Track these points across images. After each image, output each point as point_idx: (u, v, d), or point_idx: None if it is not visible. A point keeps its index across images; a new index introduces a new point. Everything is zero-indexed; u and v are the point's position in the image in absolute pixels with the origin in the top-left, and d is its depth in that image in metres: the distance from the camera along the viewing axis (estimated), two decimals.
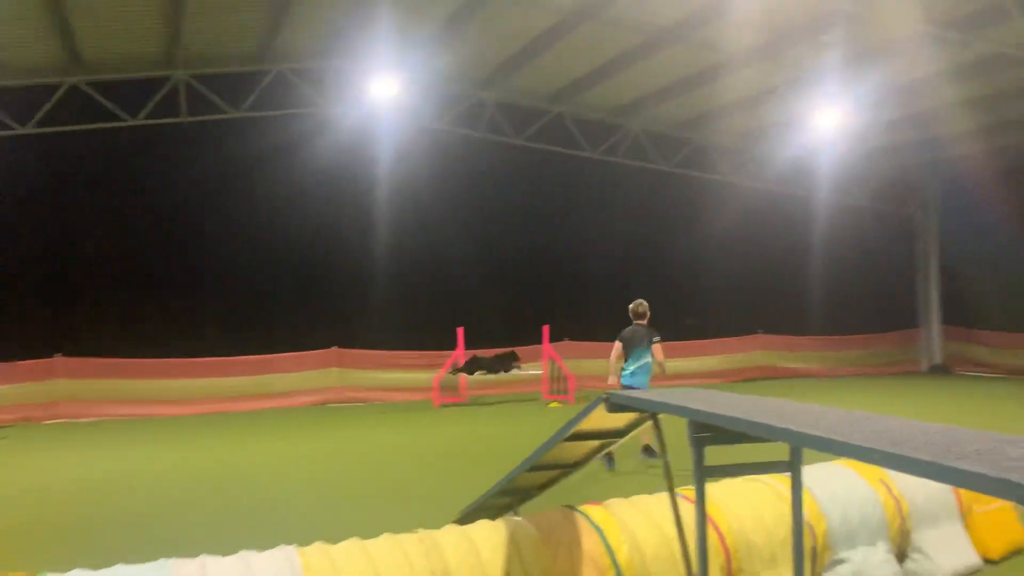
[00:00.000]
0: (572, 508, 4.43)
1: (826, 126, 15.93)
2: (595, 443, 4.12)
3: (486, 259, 18.57)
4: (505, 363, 16.18)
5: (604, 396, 3.34)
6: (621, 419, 3.64)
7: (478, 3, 12.26)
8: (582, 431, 3.75)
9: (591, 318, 19.09)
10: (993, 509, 5.91)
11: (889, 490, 5.47)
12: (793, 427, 2.03)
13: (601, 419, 3.62)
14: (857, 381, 19.75)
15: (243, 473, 9.03)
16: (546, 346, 15.94)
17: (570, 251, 19.60)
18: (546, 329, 15.90)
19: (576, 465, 4.52)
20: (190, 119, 14.51)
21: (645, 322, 8.80)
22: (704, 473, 2.60)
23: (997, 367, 20.38)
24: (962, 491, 5.74)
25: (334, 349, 16.56)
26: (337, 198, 17.22)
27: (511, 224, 18.95)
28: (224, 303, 16.90)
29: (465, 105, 16.38)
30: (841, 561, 5.01)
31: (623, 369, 8.74)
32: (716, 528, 4.57)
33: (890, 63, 13.12)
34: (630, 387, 8.53)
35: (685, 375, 19.36)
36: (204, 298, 16.96)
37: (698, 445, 2.57)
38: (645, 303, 8.95)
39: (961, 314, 21.79)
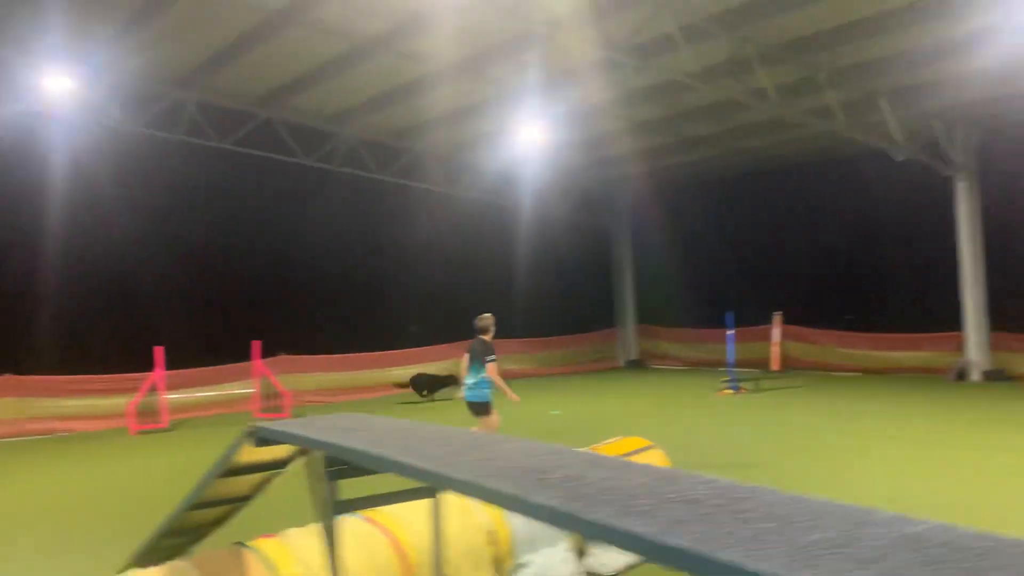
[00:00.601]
0: (242, 544, 4.14)
1: (528, 141, 16.77)
2: (261, 475, 3.87)
3: (189, 272, 17.28)
4: (443, 382, 16.94)
5: (249, 430, 3.11)
6: (281, 450, 3.44)
7: None
8: (241, 465, 3.49)
9: (309, 331, 18.58)
10: None
11: None
12: (420, 464, 1.96)
13: (259, 451, 3.39)
14: (567, 378, 21.07)
15: None
16: (257, 362, 15.19)
17: (284, 262, 18.83)
18: (256, 344, 15.15)
19: (247, 498, 4.23)
20: None
21: (488, 337, 8.81)
22: (335, 508, 2.47)
23: (682, 359, 22.87)
24: None
25: (7, 376, 14.56)
26: (2, 207, 15.11)
27: (218, 234, 17.81)
28: None
29: (161, 105, 15.12)
30: (524, 565, 5.17)
31: (466, 382, 8.84)
32: (398, 545, 4.50)
33: (580, 84, 14.08)
34: (469, 400, 8.79)
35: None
36: None
37: (330, 478, 2.44)
38: (487, 317, 8.93)
39: (652, 313, 24.11)
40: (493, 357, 8.66)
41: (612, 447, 6.59)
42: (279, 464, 3.68)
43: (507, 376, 21.27)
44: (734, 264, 21.92)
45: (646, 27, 11.49)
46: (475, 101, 15.47)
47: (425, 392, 17.18)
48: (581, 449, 6.59)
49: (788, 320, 20.06)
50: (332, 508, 2.48)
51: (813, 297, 20.47)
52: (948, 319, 17.13)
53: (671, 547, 1.22)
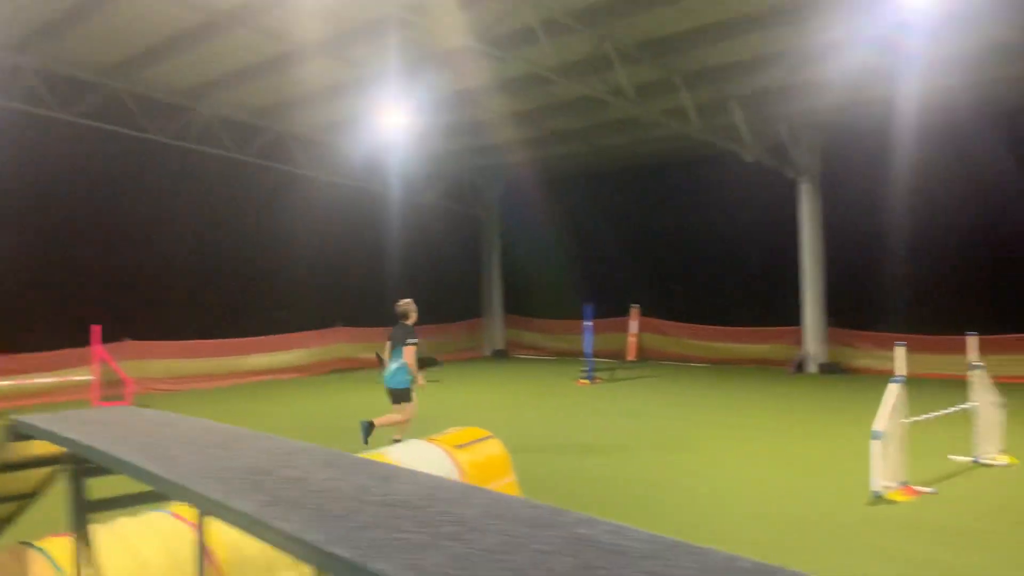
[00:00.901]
0: (27, 544, 3.86)
1: (396, 126, 16.49)
2: (45, 470, 3.61)
3: (26, 251, 16.04)
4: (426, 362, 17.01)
5: (8, 424, 2.88)
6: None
7: None
8: (15, 461, 3.23)
9: (160, 315, 17.67)
10: (498, 487, 6.52)
11: None
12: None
13: (38, 445, 3.15)
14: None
15: None
16: (96, 347, 14.32)
17: (133, 243, 17.77)
18: (96, 329, 14.26)
19: (33, 495, 3.95)
20: None
21: (408, 322, 9.06)
22: (86, 507, 2.32)
23: (546, 349, 23.19)
24: (470, 473, 6.26)
25: None
26: None
27: (59, 211, 16.59)
28: None
29: None
30: None
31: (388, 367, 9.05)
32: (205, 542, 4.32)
33: (446, 72, 13.98)
34: (389, 387, 9.01)
35: (273, 370, 18.92)
36: None
37: (75, 476, 2.28)
38: (405, 303, 9.19)
39: (519, 304, 24.34)
40: (414, 341, 8.89)
41: (449, 437, 6.58)
42: (56, 459, 3.44)
43: (372, 365, 21.06)
44: (600, 257, 22.42)
45: (508, 18, 11.53)
46: (339, 82, 15.10)
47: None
48: (418, 440, 6.56)
49: (647, 313, 20.70)
50: (77, 508, 2.31)
51: (671, 291, 21.20)
52: (792, 314, 18.10)
53: (333, 555, 1.18)
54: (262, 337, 19.06)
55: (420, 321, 22.35)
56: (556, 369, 19.32)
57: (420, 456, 6.19)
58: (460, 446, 6.41)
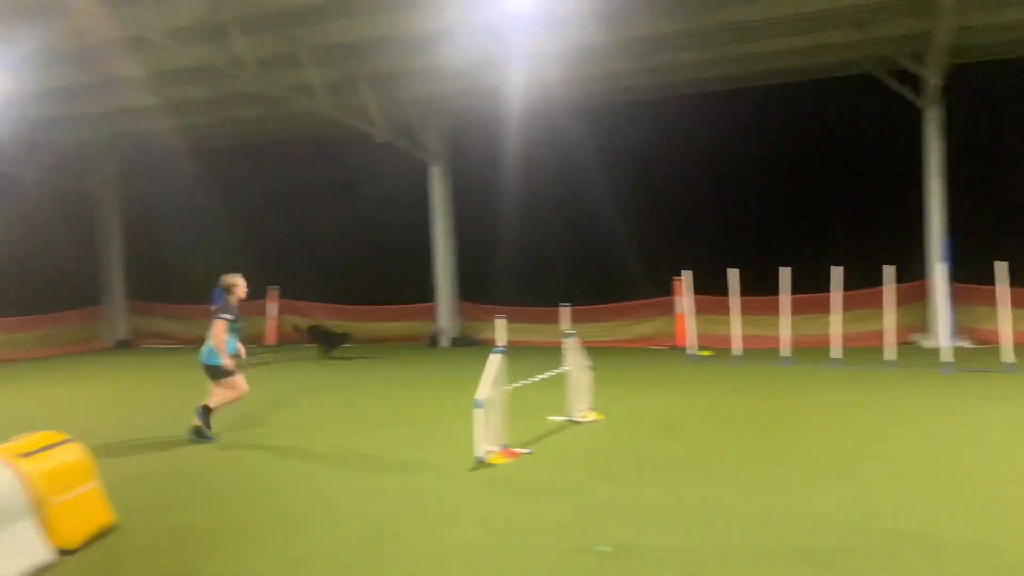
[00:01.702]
0: None
1: None
2: None
3: None
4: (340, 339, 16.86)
5: None
6: None
7: None
8: None
9: None
10: (76, 495, 5.81)
11: None
12: None
13: None
14: (41, 363, 18.41)
15: None
16: None
17: None
18: None
19: None
20: None
21: (232, 297, 8.49)
22: None
23: (177, 337, 21.42)
24: (37, 483, 5.49)
25: None
26: None
27: None
28: None
29: None
30: None
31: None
32: None
33: (42, 28, 12.14)
34: (204, 363, 8.40)
35: None
36: None
37: None
38: (225, 277, 8.59)
39: (148, 289, 22.23)
40: (224, 316, 8.29)
41: (12, 446, 5.72)
42: None
43: None
44: (241, 236, 21.32)
45: None
46: None
47: (326, 347, 16.85)
48: None
49: (290, 295, 20.19)
50: None
51: (317, 271, 20.88)
52: (429, 291, 18.80)
53: None
54: None
55: (28, 311, 19.70)
56: (187, 359, 17.97)
57: None
58: (26, 454, 5.60)
